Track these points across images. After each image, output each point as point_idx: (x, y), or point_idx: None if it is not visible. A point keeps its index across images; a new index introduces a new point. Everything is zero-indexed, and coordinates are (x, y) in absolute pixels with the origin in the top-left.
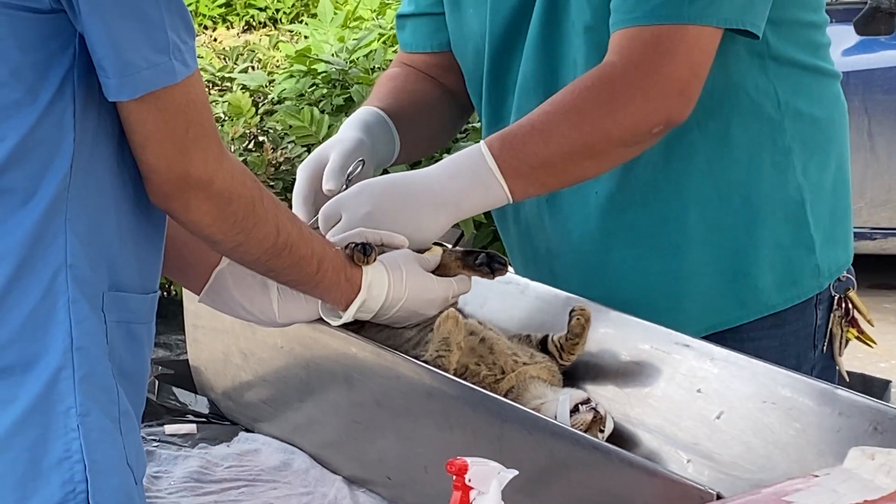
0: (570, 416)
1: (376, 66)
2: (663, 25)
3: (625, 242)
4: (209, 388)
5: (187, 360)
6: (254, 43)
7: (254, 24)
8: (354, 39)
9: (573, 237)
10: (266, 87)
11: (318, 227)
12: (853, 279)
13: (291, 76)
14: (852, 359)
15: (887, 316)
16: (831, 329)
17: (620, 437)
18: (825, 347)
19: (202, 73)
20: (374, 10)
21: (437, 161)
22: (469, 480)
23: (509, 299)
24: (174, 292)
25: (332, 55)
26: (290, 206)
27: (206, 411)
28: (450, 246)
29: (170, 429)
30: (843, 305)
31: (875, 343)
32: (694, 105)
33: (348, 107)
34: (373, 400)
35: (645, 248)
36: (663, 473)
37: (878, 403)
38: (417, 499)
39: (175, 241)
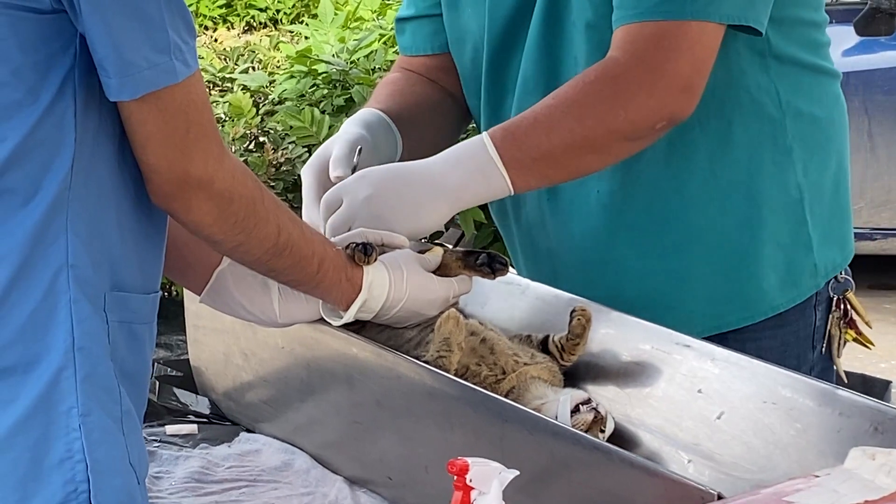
0: (571, 416)
1: (377, 66)
2: (666, 21)
3: (626, 242)
4: (210, 389)
5: (188, 359)
6: (254, 43)
7: (254, 24)
8: (355, 40)
9: (575, 236)
10: (267, 87)
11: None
12: (851, 280)
13: (292, 77)
14: (852, 359)
15: (887, 316)
16: (829, 330)
17: (621, 438)
18: (823, 348)
19: (203, 73)
20: (375, 11)
21: None
22: (470, 481)
23: (510, 300)
24: (175, 293)
25: (333, 56)
26: (292, 207)
27: (207, 412)
28: (450, 246)
29: (171, 429)
30: (842, 307)
31: (873, 345)
32: (697, 102)
33: (349, 107)
34: (374, 400)
35: (647, 248)
36: (664, 474)
37: (879, 404)
38: (418, 499)
39: (176, 241)
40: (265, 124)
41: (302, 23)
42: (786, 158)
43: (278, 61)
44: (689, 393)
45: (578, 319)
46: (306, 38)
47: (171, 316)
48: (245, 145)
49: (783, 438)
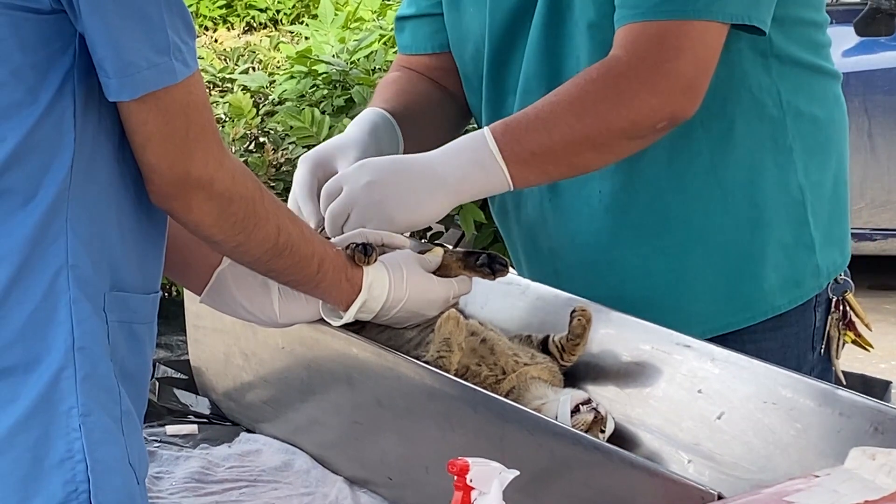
0: (571, 416)
1: (377, 66)
2: (669, 21)
3: (628, 242)
4: (210, 389)
5: (188, 360)
6: (254, 44)
7: (254, 25)
8: (355, 40)
9: (576, 237)
10: (267, 87)
11: (323, 229)
12: (850, 282)
13: (292, 77)
14: (853, 360)
15: (887, 317)
16: (828, 332)
17: (621, 438)
18: (822, 350)
19: (203, 74)
20: (375, 11)
21: None
22: (470, 481)
23: (510, 300)
24: (175, 293)
25: (333, 56)
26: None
27: (208, 412)
28: (451, 247)
29: (171, 429)
30: (841, 308)
31: (872, 347)
32: (700, 101)
33: (349, 108)
34: (374, 400)
35: (648, 248)
36: (664, 474)
37: (879, 404)
38: (419, 499)
39: (176, 241)
40: (265, 125)
41: (302, 23)
42: (786, 159)
43: (278, 62)
44: (690, 393)
45: (578, 320)
46: (306, 38)
47: (172, 316)
48: (245, 146)
49: (783, 438)
